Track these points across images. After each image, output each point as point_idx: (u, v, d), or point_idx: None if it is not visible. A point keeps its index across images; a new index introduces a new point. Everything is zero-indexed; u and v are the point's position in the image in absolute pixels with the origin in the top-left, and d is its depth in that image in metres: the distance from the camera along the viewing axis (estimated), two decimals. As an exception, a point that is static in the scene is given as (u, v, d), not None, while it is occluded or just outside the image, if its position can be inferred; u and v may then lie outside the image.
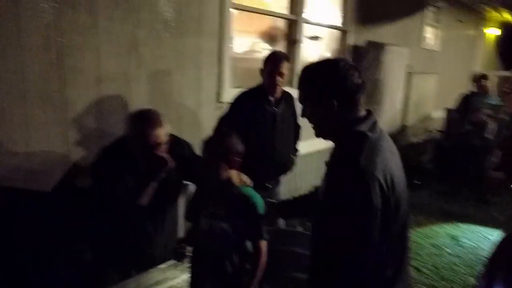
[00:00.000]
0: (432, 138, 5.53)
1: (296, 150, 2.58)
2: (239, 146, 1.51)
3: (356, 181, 1.03)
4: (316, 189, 1.55)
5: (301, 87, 1.18)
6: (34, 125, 1.81)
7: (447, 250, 3.34)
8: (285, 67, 2.23)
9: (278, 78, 2.22)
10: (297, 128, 2.52)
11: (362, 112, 1.15)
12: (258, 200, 1.50)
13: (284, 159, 2.44)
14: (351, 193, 1.04)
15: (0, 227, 1.69)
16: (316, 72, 1.15)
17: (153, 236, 1.82)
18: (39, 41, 1.76)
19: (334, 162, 1.15)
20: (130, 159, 1.69)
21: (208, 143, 1.51)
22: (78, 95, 1.95)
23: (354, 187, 1.03)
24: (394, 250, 1.15)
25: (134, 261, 1.83)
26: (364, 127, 1.11)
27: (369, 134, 1.10)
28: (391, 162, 1.11)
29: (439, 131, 5.56)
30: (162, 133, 1.67)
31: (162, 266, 1.79)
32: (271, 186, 2.41)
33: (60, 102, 1.88)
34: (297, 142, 2.57)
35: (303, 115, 1.20)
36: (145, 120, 1.66)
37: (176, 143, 1.80)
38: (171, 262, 1.79)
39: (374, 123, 1.14)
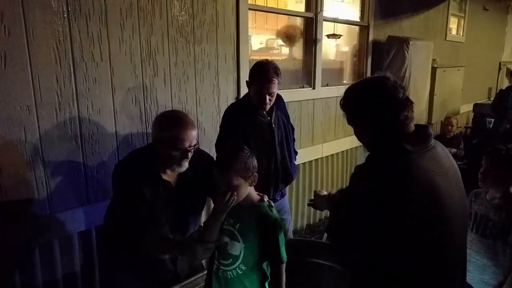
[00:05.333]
0: (461, 134, 5.29)
1: (296, 153, 2.42)
2: (254, 160, 1.40)
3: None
4: None
5: (346, 109, 1.15)
6: (48, 144, 1.78)
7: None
8: (275, 86, 1.98)
9: (268, 98, 1.99)
10: (292, 130, 2.34)
11: (411, 128, 1.10)
12: (278, 221, 1.41)
13: (289, 167, 2.27)
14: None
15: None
16: (358, 95, 1.13)
17: None
18: (50, 53, 1.72)
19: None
20: (153, 172, 1.61)
21: (224, 162, 1.40)
22: (92, 107, 1.90)
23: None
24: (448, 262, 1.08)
25: (158, 278, 1.77)
26: (408, 144, 1.05)
27: (409, 148, 1.04)
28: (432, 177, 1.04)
29: (467, 127, 5.30)
30: (195, 136, 1.56)
31: (186, 282, 1.73)
32: (279, 199, 2.27)
33: (72, 116, 1.84)
34: (294, 144, 2.40)
35: (356, 136, 1.18)
36: (179, 121, 1.54)
37: (199, 154, 1.71)
38: (195, 277, 1.72)
39: (423, 139, 1.09)
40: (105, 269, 1.98)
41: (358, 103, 1.11)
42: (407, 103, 1.07)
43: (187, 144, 1.53)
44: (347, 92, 1.16)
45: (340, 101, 1.17)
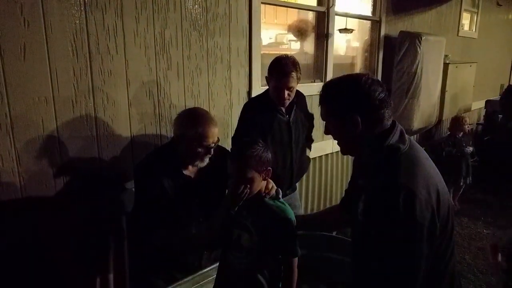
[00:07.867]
0: (472, 131, 5.23)
1: (312, 140, 2.41)
2: (268, 154, 1.39)
3: (397, 202, 0.96)
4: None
5: (323, 103, 1.18)
6: (65, 135, 1.80)
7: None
8: (294, 80, 1.96)
9: (286, 93, 1.98)
10: (310, 127, 2.35)
11: (387, 125, 1.11)
12: (290, 214, 1.40)
13: (302, 164, 2.27)
14: (395, 216, 0.97)
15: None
16: (338, 89, 1.14)
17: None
18: (67, 45, 1.74)
19: (371, 183, 1.06)
20: (174, 167, 1.62)
21: (238, 155, 1.38)
22: (107, 99, 1.92)
23: (396, 208, 0.96)
24: (440, 263, 1.08)
25: (181, 269, 1.77)
26: (393, 140, 1.08)
27: (401, 146, 1.07)
28: (431, 171, 1.07)
29: (479, 123, 5.24)
30: (217, 132, 1.60)
31: (198, 273, 1.73)
32: (288, 193, 2.27)
33: (88, 108, 1.86)
34: (310, 141, 2.40)
35: (326, 132, 1.20)
36: (203, 118, 1.58)
37: (219, 150, 1.73)
38: (208, 268, 1.73)
39: (401, 134, 1.11)
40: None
41: (336, 96, 1.13)
42: (385, 101, 1.09)
43: (211, 141, 1.58)
44: (325, 86, 1.17)
45: (320, 94, 1.17)
